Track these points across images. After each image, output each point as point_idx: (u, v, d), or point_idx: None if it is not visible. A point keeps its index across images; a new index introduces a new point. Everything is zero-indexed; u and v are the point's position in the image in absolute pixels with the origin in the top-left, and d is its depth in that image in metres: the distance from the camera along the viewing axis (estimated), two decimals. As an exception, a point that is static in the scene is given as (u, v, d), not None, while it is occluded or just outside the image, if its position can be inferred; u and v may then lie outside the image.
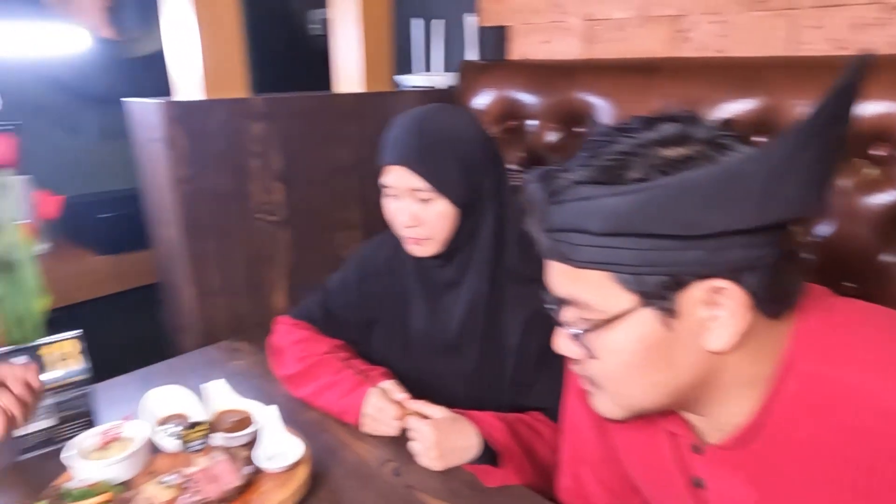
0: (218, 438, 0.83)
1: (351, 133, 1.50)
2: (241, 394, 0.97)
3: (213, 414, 0.91)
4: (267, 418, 0.88)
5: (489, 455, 0.90)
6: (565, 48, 1.56)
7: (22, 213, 0.94)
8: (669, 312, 0.53)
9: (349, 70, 1.58)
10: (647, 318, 0.53)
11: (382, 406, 0.95)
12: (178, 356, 1.23)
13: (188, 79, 1.29)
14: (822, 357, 0.54)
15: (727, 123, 0.55)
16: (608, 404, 0.62)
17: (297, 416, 1.00)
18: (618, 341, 0.55)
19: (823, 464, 0.53)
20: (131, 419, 0.85)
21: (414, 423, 0.90)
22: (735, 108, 1.16)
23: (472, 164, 0.94)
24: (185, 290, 1.30)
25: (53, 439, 0.93)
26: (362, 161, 1.53)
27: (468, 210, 0.95)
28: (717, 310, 0.52)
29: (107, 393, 1.07)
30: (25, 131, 0.93)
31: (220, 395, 0.94)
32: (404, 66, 1.93)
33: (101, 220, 1.71)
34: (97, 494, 0.73)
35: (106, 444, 0.82)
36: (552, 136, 1.46)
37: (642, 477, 0.73)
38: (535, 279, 0.96)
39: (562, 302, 0.59)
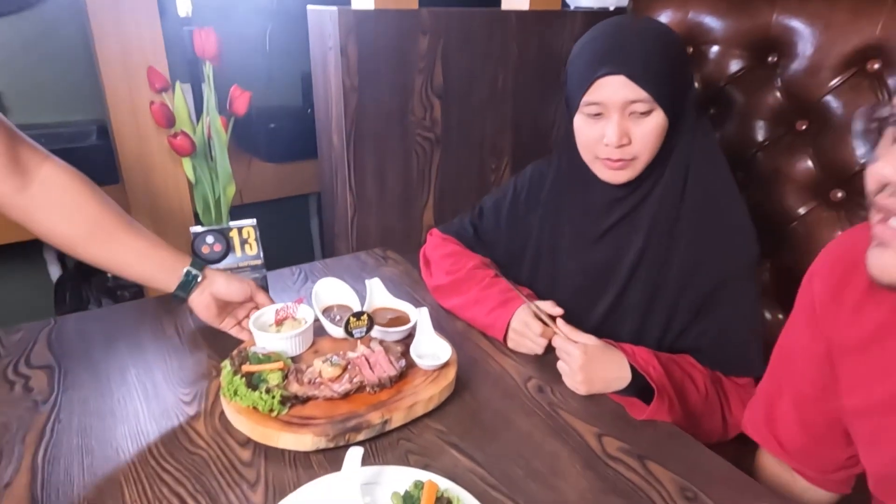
0: (377, 331, 0.88)
1: (512, 55, 1.45)
2: (395, 296, 1.02)
3: (371, 308, 0.96)
4: (420, 319, 0.91)
5: (637, 390, 0.87)
6: (765, -35, 1.36)
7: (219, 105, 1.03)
8: None
9: (516, -13, 1.51)
10: None
11: (529, 322, 0.94)
12: (333, 257, 1.31)
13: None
14: None
15: None
16: None
17: (444, 325, 1.04)
18: None
19: None
20: (302, 302, 0.93)
21: (561, 343, 0.89)
22: None
23: (684, 75, 0.89)
24: (345, 199, 1.37)
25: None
26: (520, 87, 1.49)
27: (675, 126, 0.89)
28: None
29: (274, 281, 1.19)
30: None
31: (378, 293, 0.99)
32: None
33: (271, 130, 1.85)
34: (275, 361, 0.81)
35: (280, 322, 0.89)
36: (735, 66, 1.31)
37: (877, 411, 0.67)
38: (717, 211, 0.91)
39: None
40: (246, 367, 0.79)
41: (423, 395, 0.80)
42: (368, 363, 0.83)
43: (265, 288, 1.06)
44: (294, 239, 2.12)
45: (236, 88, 1.00)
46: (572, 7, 1.68)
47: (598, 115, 0.89)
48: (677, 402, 0.86)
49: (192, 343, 0.97)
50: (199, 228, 1.01)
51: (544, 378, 0.91)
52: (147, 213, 1.31)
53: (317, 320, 0.92)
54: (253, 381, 0.78)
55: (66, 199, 0.81)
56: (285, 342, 0.85)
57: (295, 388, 0.78)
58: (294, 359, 0.86)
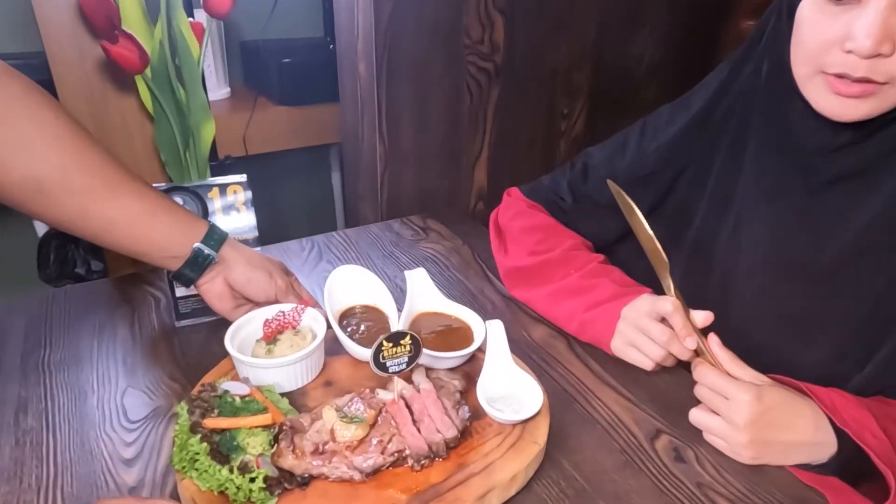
0: (425, 357, 0.55)
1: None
2: (440, 287, 0.69)
3: (412, 317, 0.63)
4: (491, 336, 0.59)
5: (840, 465, 0.54)
6: None
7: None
8: None
9: None
10: None
11: (648, 323, 0.62)
12: (356, 227, 0.99)
13: None
14: None
15: None
16: None
17: (513, 336, 0.71)
18: None
19: None
20: (310, 305, 0.62)
21: (714, 380, 0.56)
22: None
23: None
24: (373, 149, 1.03)
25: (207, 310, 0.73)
26: (602, 5, 1.11)
27: None
28: None
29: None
30: None
31: (422, 292, 0.66)
32: None
33: (284, 65, 1.50)
34: (261, 411, 0.49)
35: (276, 333, 0.58)
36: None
37: None
38: None
39: None
40: (210, 422, 0.48)
41: (502, 474, 0.49)
42: (411, 414, 0.51)
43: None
44: (311, 201, 1.80)
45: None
46: None
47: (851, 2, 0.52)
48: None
49: (152, 349, 0.67)
50: (162, 185, 0.69)
51: (683, 434, 0.58)
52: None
53: (330, 330, 0.60)
54: (222, 446, 0.47)
55: (29, 127, 0.53)
56: (280, 372, 0.54)
57: (290, 461, 0.47)
58: (292, 398, 0.55)
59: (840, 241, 0.59)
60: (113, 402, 0.60)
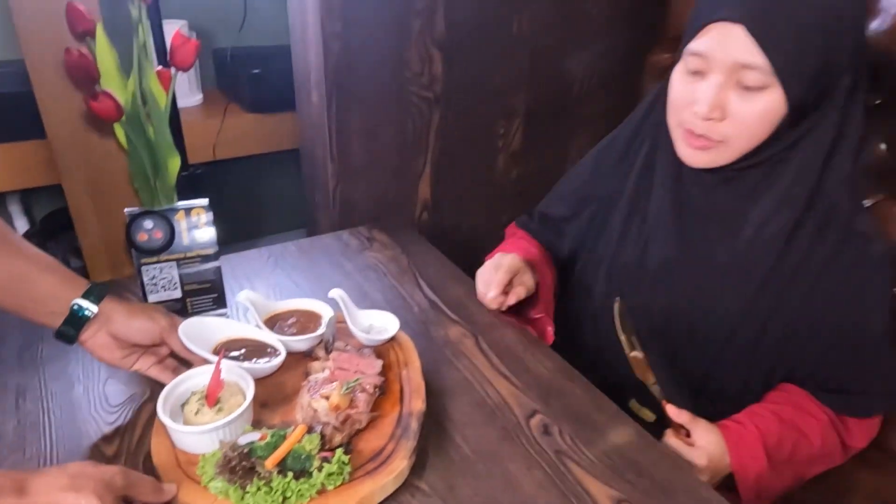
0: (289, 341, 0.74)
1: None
2: (376, 291, 0.84)
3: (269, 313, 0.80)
4: (339, 304, 0.78)
5: None
6: None
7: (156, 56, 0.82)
8: None
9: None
10: None
11: (485, 269, 0.89)
12: (310, 237, 1.13)
13: None
14: None
15: None
16: None
17: (433, 333, 0.86)
18: None
19: None
20: (225, 356, 0.69)
21: (679, 447, 0.74)
22: None
23: (837, 48, 0.64)
24: (325, 167, 1.17)
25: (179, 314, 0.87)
26: (539, 33, 1.25)
27: (798, 115, 0.67)
28: None
29: (238, 267, 1.01)
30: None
31: (256, 312, 0.79)
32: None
33: (253, 74, 1.62)
34: (282, 436, 0.60)
35: (214, 396, 0.64)
36: None
37: None
38: (857, 229, 0.69)
39: None
40: (271, 461, 0.57)
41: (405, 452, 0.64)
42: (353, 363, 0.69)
43: (216, 282, 0.88)
44: (284, 202, 1.92)
45: (178, 35, 0.79)
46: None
47: (698, 72, 0.68)
48: (780, 478, 0.75)
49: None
50: (135, 210, 0.82)
51: (552, 414, 0.74)
52: (83, 182, 1.10)
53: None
54: (295, 467, 0.57)
55: None
56: (226, 429, 0.61)
57: (337, 436, 0.63)
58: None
59: (729, 249, 0.75)
60: (97, 390, 0.74)
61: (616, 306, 0.72)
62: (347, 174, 1.18)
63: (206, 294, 0.89)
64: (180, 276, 0.86)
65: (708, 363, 0.79)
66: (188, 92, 1.62)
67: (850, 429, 0.78)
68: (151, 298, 0.85)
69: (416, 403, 0.69)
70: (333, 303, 0.79)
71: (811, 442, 0.75)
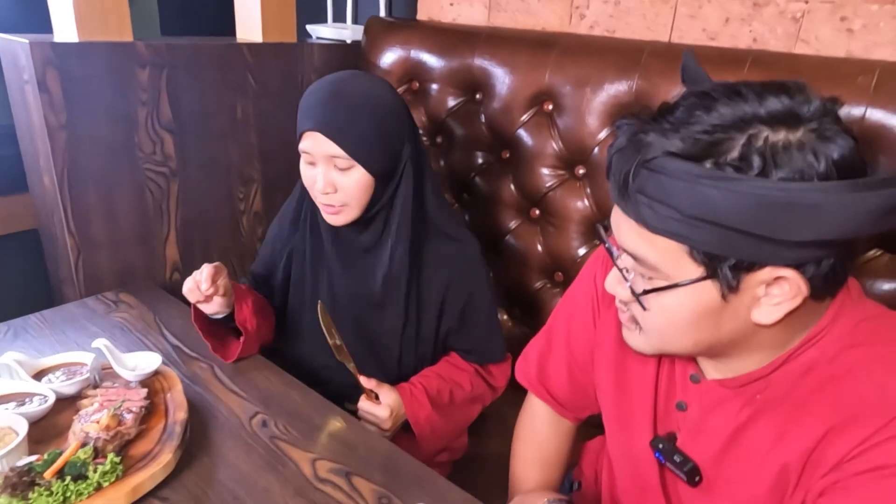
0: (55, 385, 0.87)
1: (250, 85, 1.46)
2: (121, 345, 1.00)
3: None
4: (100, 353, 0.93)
5: None
6: (470, 13, 1.57)
7: None
8: (731, 288, 0.54)
9: (249, 16, 1.52)
10: (708, 288, 0.55)
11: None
12: (52, 308, 1.21)
13: (64, 16, 1.21)
14: (848, 337, 0.58)
15: (834, 100, 0.52)
16: (643, 345, 0.65)
17: (183, 368, 1.03)
18: (674, 304, 0.57)
19: (811, 413, 0.57)
20: None
21: (370, 408, 1.01)
22: (617, 88, 1.23)
23: (391, 132, 0.97)
24: (64, 242, 1.26)
25: None
26: (263, 115, 1.50)
27: (386, 178, 0.98)
28: (774, 289, 0.54)
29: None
30: None
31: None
32: (321, 14, 1.89)
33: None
34: (59, 453, 0.72)
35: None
36: (452, 102, 1.49)
37: (615, 386, 0.76)
38: (456, 238, 1.06)
39: (623, 251, 0.60)
40: (50, 471, 0.68)
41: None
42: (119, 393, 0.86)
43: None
44: (26, 284, 1.86)
45: None
46: (314, 38, 1.75)
47: (311, 163, 0.97)
48: (447, 418, 1.06)
49: None
50: None
51: (271, 413, 0.96)
52: None
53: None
54: (73, 471, 0.70)
55: None
56: (2, 461, 0.71)
57: (109, 446, 0.76)
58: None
59: (373, 286, 1.05)
60: None
61: (319, 306, 0.97)
62: (88, 247, 1.28)
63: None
64: None
65: (389, 354, 1.09)
66: None
67: (493, 373, 1.14)
68: None
69: (179, 414, 0.87)
70: (99, 352, 0.93)
71: (464, 388, 1.09)
